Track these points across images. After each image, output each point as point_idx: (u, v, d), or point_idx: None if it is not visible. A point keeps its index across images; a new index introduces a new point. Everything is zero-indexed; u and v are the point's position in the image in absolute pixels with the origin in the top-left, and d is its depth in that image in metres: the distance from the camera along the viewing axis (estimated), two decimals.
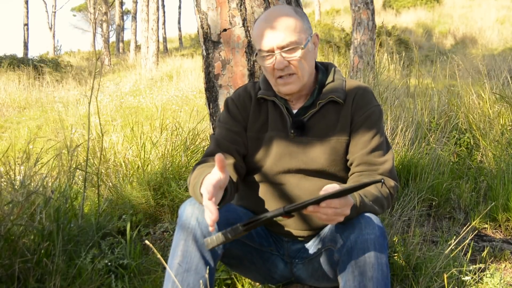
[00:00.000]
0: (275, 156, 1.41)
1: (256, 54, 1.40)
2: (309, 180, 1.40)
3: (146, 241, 1.19)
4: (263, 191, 1.44)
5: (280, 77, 1.38)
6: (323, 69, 1.48)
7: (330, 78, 1.45)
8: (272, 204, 1.43)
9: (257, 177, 1.45)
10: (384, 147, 1.41)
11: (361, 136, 1.39)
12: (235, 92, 1.54)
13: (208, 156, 1.43)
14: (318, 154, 1.39)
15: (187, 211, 1.28)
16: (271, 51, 1.35)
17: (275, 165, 1.41)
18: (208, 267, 1.25)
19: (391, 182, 1.38)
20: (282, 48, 1.34)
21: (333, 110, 1.41)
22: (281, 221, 1.45)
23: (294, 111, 1.44)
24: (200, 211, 1.27)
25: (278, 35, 1.34)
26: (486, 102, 3.39)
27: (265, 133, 1.44)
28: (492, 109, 3.30)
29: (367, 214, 1.25)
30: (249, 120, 1.46)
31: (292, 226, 1.44)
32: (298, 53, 1.34)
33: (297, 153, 1.40)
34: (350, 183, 1.38)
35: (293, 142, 1.40)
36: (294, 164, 1.40)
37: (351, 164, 1.40)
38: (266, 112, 1.46)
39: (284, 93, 1.41)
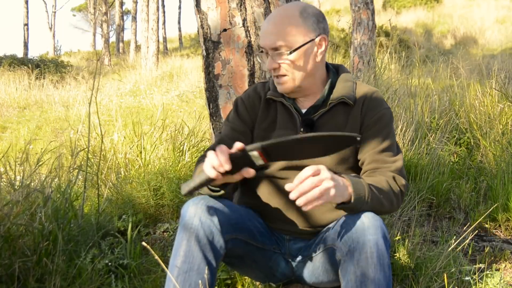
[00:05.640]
0: None
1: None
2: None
3: (143, 243, 1.19)
4: (267, 187, 1.45)
5: (276, 76, 1.41)
6: (334, 71, 1.50)
7: (340, 80, 1.46)
8: (275, 200, 1.44)
9: (262, 173, 1.46)
10: (394, 149, 1.42)
11: (372, 137, 1.40)
12: (245, 92, 1.57)
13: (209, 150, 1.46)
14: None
15: (190, 211, 1.28)
16: (266, 50, 1.39)
17: (282, 163, 1.42)
18: (210, 267, 1.25)
19: (402, 181, 1.38)
20: (272, 49, 1.37)
21: (342, 111, 1.43)
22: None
23: (303, 110, 1.46)
24: (203, 211, 1.27)
25: (270, 36, 1.37)
26: (487, 101, 3.38)
27: (272, 132, 1.46)
28: (493, 109, 3.30)
29: (370, 214, 1.25)
30: (257, 120, 1.49)
31: (295, 223, 1.44)
32: (289, 57, 1.36)
33: None
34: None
35: None
36: (300, 162, 1.40)
37: (362, 163, 1.42)
38: (275, 112, 1.48)
39: (280, 92, 1.45)
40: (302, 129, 1.42)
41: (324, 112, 1.43)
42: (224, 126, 1.53)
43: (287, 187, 1.12)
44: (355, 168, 1.44)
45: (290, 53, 1.36)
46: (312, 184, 1.11)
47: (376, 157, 1.38)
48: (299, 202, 1.11)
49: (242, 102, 1.52)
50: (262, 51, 1.43)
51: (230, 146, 1.42)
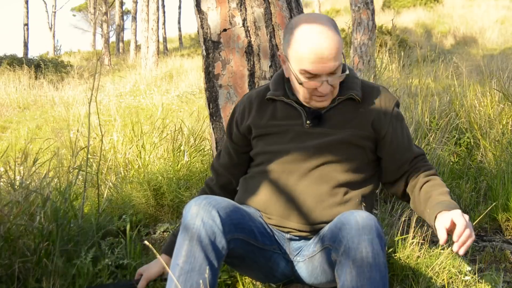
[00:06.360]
0: (288, 147, 1.44)
1: (293, 67, 1.37)
2: (319, 170, 1.42)
3: (146, 242, 1.19)
4: (269, 185, 1.46)
5: (321, 95, 1.40)
6: None
7: (347, 77, 1.47)
8: (276, 198, 1.44)
9: (264, 168, 1.47)
10: (411, 139, 1.53)
11: (400, 137, 1.48)
12: (241, 99, 1.62)
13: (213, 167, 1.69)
14: (331, 144, 1.42)
15: (192, 211, 1.28)
16: (318, 76, 1.34)
17: (287, 155, 1.44)
18: (212, 268, 1.25)
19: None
20: (330, 74, 1.35)
21: (350, 106, 1.45)
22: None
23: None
24: (206, 211, 1.27)
25: (329, 63, 1.31)
26: (487, 101, 3.38)
27: (273, 128, 1.48)
28: (493, 109, 3.30)
29: (365, 214, 1.26)
30: (251, 124, 1.51)
31: (295, 220, 1.44)
32: (342, 75, 1.38)
33: (311, 142, 1.43)
34: (413, 182, 1.47)
35: (308, 132, 1.43)
36: (306, 154, 1.42)
37: (404, 163, 1.48)
38: (274, 109, 1.49)
39: (321, 107, 1.44)
40: (308, 122, 1.43)
41: (332, 107, 1.45)
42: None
43: (441, 241, 1.22)
44: (358, 159, 1.45)
45: (343, 71, 1.37)
46: (469, 235, 1.21)
47: (412, 156, 1.48)
48: (461, 253, 1.21)
49: (237, 110, 1.59)
50: (309, 76, 1.34)
51: (228, 151, 1.63)
